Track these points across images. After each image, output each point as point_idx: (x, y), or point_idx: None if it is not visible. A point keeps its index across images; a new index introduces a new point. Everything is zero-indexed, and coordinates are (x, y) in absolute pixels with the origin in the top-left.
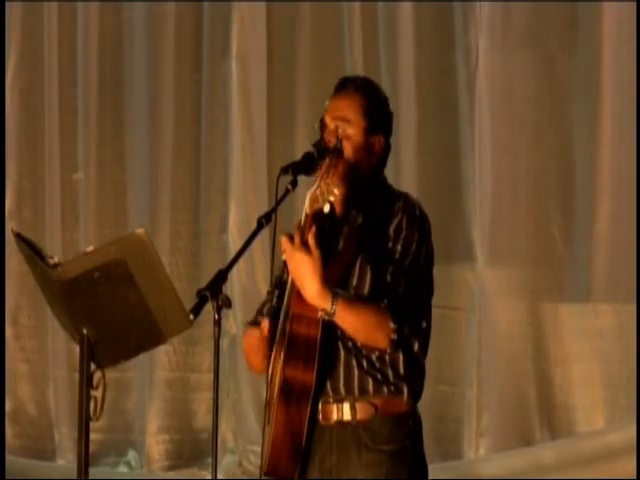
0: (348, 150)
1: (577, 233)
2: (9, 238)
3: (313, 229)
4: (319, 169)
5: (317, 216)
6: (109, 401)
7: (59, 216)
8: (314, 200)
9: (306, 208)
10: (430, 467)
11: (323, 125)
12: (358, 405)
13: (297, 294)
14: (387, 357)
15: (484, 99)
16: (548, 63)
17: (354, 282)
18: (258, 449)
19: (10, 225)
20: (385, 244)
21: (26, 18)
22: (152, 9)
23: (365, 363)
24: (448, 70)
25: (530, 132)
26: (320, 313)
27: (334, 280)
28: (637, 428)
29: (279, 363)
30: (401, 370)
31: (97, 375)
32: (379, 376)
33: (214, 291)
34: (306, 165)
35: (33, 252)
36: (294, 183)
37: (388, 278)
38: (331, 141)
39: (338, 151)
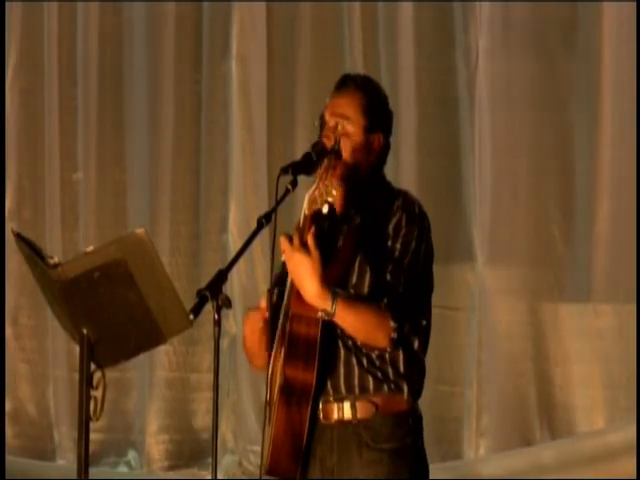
0: (347, 148)
1: (577, 233)
2: (9, 238)
3: (312, 230)
4: (318, 169)
5: (316, 217)
6: (109, 401)
7: (59, 216)
8: (313, 201)
9: (305, 209)
10: (430, 467)
11: (323, 122)
12: (358, 404)
13: (297, 294)
14: (387, 355)
15: (484, 99)
16: (548, 63)
17: (354, 280)
18: (258, 449)
19: (10, 225)
20: (384, 242)
21: (26, 18)
22: (152, 9)
23: (365, 361)
24: (448, 70)
25: (530, 132)
26: (320, 313)
27: (333, 280)
28: (637, 428)
29: (279, 363)
30: (401, 368)
31: (97, 375)
32: (379, 374)
33: (214, 291)
34: (306, 165)
35: (33, 252)
36: (294, 183)
37: (388, 276)
38: (330, 137)
39: (336, 152)
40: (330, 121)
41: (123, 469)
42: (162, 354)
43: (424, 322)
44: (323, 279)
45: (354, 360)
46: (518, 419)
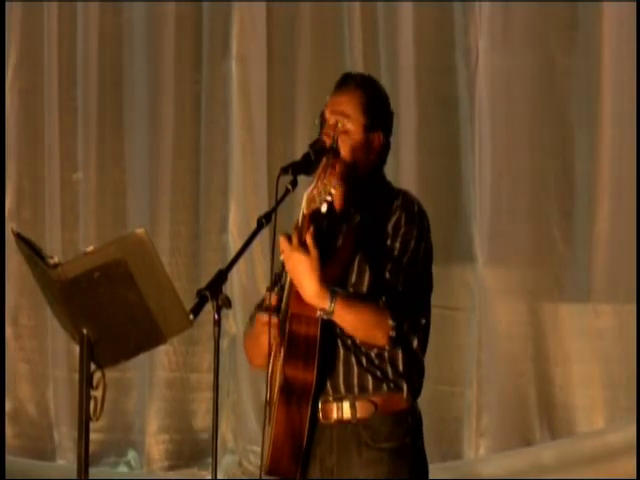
0: (346, 146)
1: (577, 233)
2: (9, 238)
3: (311, 229)
4: (317, 168)
5: (315, 216)
6: (109, 401)
7: (59, 216)
8: (311, 200)
9: (303, 208)
10: (430, 467)
11: (323, 120)
12: (358, 403)
13: (296, 294)
14: (386, 354)
15: (484, 99)
16: (548, 63)
17: (353, 279)
18: (258, 449)
19: (10, 225)
20: (384, 241)
21: (26, 18)
22: (152, 9)
23: (364, 361)
24: (448, 70)
25: (530, 132)
26: (319, 312)
27: (332, 279)
28: (637, 428)
29: (279, 362)
30: (400, 367)
31: (97, 375)
32: (378, 373)
33: (214, 291)
34: (306, 165)
35: (33, 252)
36: (294, 183)
37: (387, 275)
38: (330, 135)
39: (334, 151)
40: (330, 119)
41: (123, 469)
42: (162, 354)
43: (423, 321)
44: (322, 278)
45: (353, 359)
46: (518, 419)
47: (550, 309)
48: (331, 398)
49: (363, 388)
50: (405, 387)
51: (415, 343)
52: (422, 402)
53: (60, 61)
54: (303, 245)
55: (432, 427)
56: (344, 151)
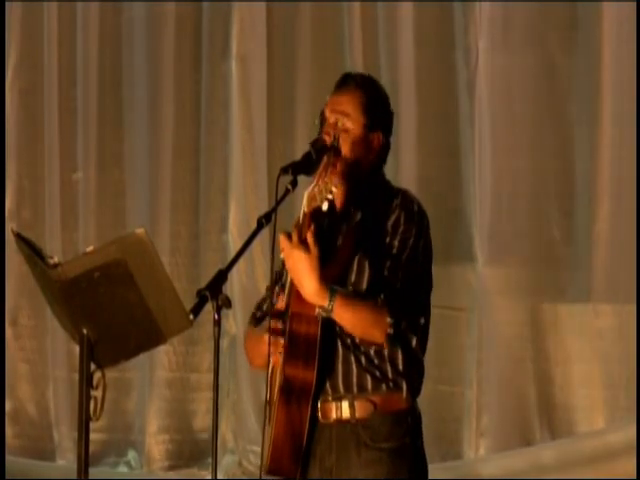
0: (346, 145)
1: (577, 233)
2: (9, 238)
3: (311, 227)
4: (318, 166)
5: (315, 214)
6: (109, 401)
7: (59, 216)
8: (312, 198)
9: (304, 206)
10: (430, 467)
11: (323, 119)
12: (357, 403)
13: (296, 293)
14: (385, 354)
15: (484, 99)
16: (548, 63)
17: (352, 279)
18: (258, 449)
19: (10, 225)
20: (383, 240)
21: (26, 18)
22: (152, 9)
23: (364, 360)
24: (448, 70)
25: (530, 132)
26: (318, 310)
27: (332, 278)
28: (637, 428)
29: (279, 362)
30: (400, 366)
31: (97, 375)
32: (378, 373)
33: (214, 291)
34: (306, 165)
35: (33, 252)
36: (294, 183)
37: (385, 273)
38: (330, 134)
39: (335, 149)
40: (330, 117)
41: (123, 469)
42: (162, 354)
43: (422, 320)
44: (321, 276)
45: (353, 359)
46: (518, 419)
47: (550, 309)
48: (330, 398)
49: (362, 388)
50: (404, 387)
51: (414, 342)
52: (422, 402)
53: (60, 61)
54: (303, 243)
55: (432, 427)
56: (345, 150)
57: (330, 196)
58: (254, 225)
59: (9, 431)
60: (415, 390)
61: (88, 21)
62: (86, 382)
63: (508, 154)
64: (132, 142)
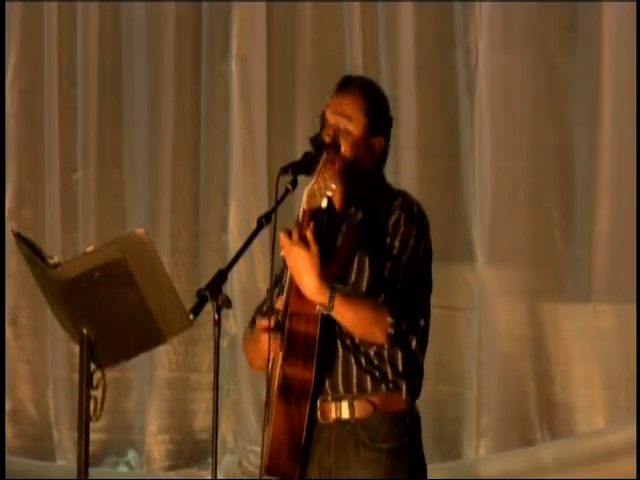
0: (347, 146)
1: (577, 233)
2: (9, 238)
3: (311, 225)
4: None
5: (315, 212)
6: (109, 401)
7: (59, 216)
8: (311, 195)
9: (304, 204)
10: (430, 467)
11: (323, 121)
12: (356, 403)
13: (296, 291)
14: (385, 354)
15: (484, 99)
16: (548, 63)
17: (352, 278)
18: (258, 449)
19: (10, 225)
20: (383, 240)
21: (26, 18)
22: (152, 9)
23: (363, 361)
24: (448, 70)
25: (530, 132)
26: (318, 308)
27: (332, 276)
28: (637, 428)
29: (278, 361)
30: (400, 367)
31: (97, 375)
32: (377, 374)
33: (214, 291)
34: (306, 165)
35: (33, 252)
36: (294, 183)
37: (386, 273)
38: (330, 135)
39: (335, 145)
40: (331, 119)
41: (123, 469)
42: (162, 354)
43: (422, 322)
44: (321, 274)
45: (352, 359)
46: (518, 419)
47: (550, 309)
48: (330, 398)
49: (362, 388)
50: (404, 387)
51: (414, 343)
52: (422, 402)
53: (60, 61)
54: (303, 241)
55: (432, 427)
56: (345, 151)
57: (329, 193)
58: (254, 225)
59: (9, 431)
60: (415, 391)
61: (88, 21)
62: (86, 382)
63: (508, 154)
64: (132, 142)
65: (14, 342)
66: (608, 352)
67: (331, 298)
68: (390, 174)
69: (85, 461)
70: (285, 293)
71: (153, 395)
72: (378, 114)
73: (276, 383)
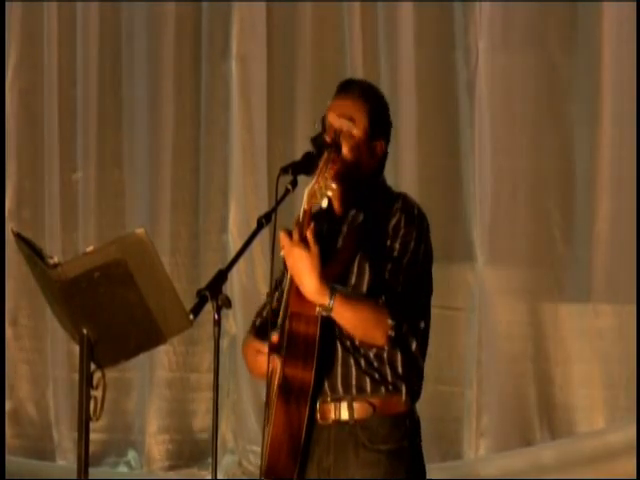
0: (349, 148)
1: (577, 233)
2: (9, 238)
3: (312, 225)
4: (318, 163)
5: (316, 213)
6: (109, 401)
7: (59, 216)
8: (312, 195)
9: (304, 203)
10: (430, 467)
11: (325, 123)
12: (356, 404)
13: (296, 292)
14: (385, 356)
15: (484, 99)
16: (548, 63)
17: (353, 281)
18: (258, 449)
19: (10, 225)
20: (383, 243)
21: (26, 18)
22: (152, 9)
23: (363, 362)
24: (448, 70)
25: (530, 132)
26: (318, 309)
27: (332, 277)
28: (637, 428)
29: (278, 362)
30: (399, 369)
31: (97, 375)
32: (377, 375)
33: (214, 291)
34: (306, 165)
35: (33, 252)
36: (294, 183)
37: (386, 275)
38: (330, 136)
39: (336, 145)
40: (334, 121)
41: (123, 469)
42: (162, 354)
43: (422, 324)
44: (322, 275)
45: (352, 361)
46: (518, 419)
47: (550, 309)
48: (329, 399)
49: (361, 389)
50: (404, 390)
51: (414, 346)
52: (422, 402)
53: (60, 61)
54: (304, 241)
55: (432, 427)
56: (346, 152)
57: (329, 193)
58: (254, 225)
59: (9, 431)
60: (414, 394)
61: (88, 21)
62: (86, 382)
63: (508, 154)
64: (132, 142)
65: (14, 342)
66: (608, 352)
67: (331, 299)
68: (390, 174)
69: (85, 461)
70: (285, 294)
71: (153, 395)
72: (380, 117)
73: (276, 383)
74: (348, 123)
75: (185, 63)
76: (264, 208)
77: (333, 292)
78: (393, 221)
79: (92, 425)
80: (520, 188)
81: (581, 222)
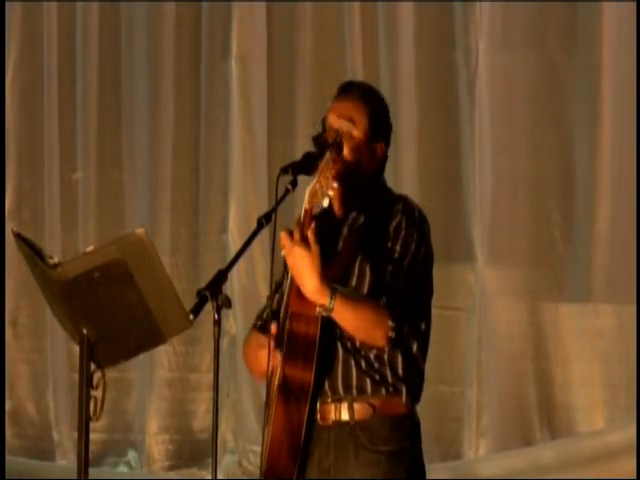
0: (349, 150)
1: (577, 233)
2: (9, 238)
3: (312, 225)
4: (320, 162)
5: (317, 214)
6: (109, 401)
7: (59, 216)
8: (313, 194)
9: (305, 203)
10: (430, 467)
11: (325, 124)
12: (356, 405)
13: (296, 293)
14: (385, 357)
15: (484, 99)
16: (548, 63)
17: (353, 282)
18: (258, 449)
19: (10, 225)
20: (384, 244)
21: (26, 18)
22: (152, 9)
23: (363, 363)
24: (448, 70)
25: (530, 132)
26: (318, 309)
27: (333, 277)
28: (637, 428)
29: (279, 362)
30: (399, 371)
31: (97, 375)
32: (377, 377)
33: (214, 291)
34: (306, 165)
35: (33, 252)
36: (294, 183)
37: (387, 277)
38: (331, 136)
39: (338, 145)
40: (335, 122)
41: (123, 469)
42: (162, 354)
43: (423, 326)
44: (322, 275)
45: (352, 362)
46: (518, 419)
47: (550, 309)
48: (329, 399)
49: (362, 390)
50: (404, 391)
51: (414, 347)
52: (422, 402)
53: (59, 61)
54: (304, 241)
55: (432, 427)
56: (347, 153)
57: (331, 192)
58: (254, 225)
59: (9, 431)
60: (415, 395)
61: (88, 21)
62: (86, 382)
63: (508, 154)
64: (132, 142)
65: (14, 342)
66: (608, 352)
67: (332, 299)
68: (390, 174)
69: (85, 461)
70: (286, 294)
71: (153, 395)
72: (380, 119)
73: (276, 383)
74: (348, 124)
75: (185, 63)
76: (264, 208)
77: (334, 292)
78: (394, 223)
79: (92, 425)
80: (520, 188)
81: (581, 222)
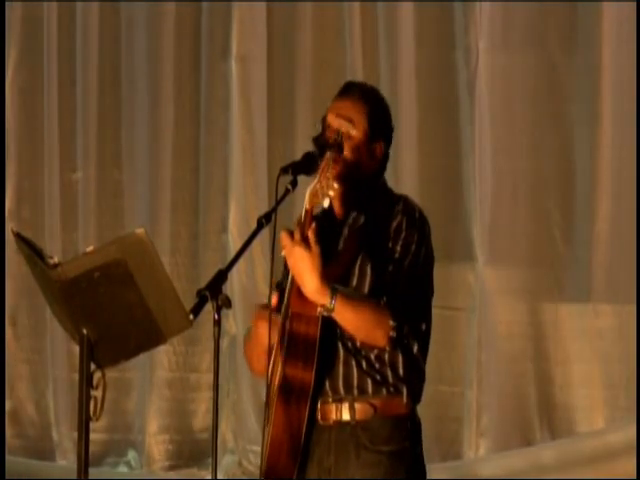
0: (349, 150)
1: (577, 233)
2: (9, 238)
3: (313, 225)
4: (320, 162)
5: (317, 214)
6: (109, 401)
7: (59, 216)
8: (314, 195)
9: (306, 203)
10: (430, 467)
11: (325, 124)
12: (357, 405)
13: (296, 293)
14: (386, 358)
15: (484, 99)
16: (548, 63)
17: (354, 282)
18: (258, 449)
19: (10, 225)
20: (385, 245)
21: (26, 18)
22: (152, 9)
23: (364, 364)
24: (448, 70)
25: (530, 132)
26: (319, 309)
27: (334, 278)
28: (637, 428)
29: (279, 362)
30: (400, 371)
31: (97, 375)
32: (378, 377)
33: (214, 291)
34: (306, 165)
35: (33, 252)
36: (294, 183)
37: (387, 277)
38: (332, 137)
39: (339, 145)
40: (334, 123)
41: (123, 469)
42: (162, 354)
43: (424, 326)
44: (323, 275)
45: (353, 362)
46: (518, 419)
47: (550, 309)
48: (330, 399)
49: (362, 390)
50: (405, 392)
51: (415, 348)
52: (422, 402)
53: (59, 61)
54: (305, 241)
55: (432, 427)
56: (346, 153)
57: (331, 193)
58: (254, 225)
59: (9, 431)
60: (415, 396)
61: (88, 21)
62: (86, 382)
63: (508, 154)
64: (132, 142)
65: (14, 342)
66: (608, 352)
67: (332, 299)
68: (390, 174)
69: (85, 461)
70: (286, 294)
71: (153, 395)
72: (379, 119)
73: (276, 383)
74: (347, 124)
75: (185, 63)
76: (264, 208)
77: (334, 292)
78: (394, 223)
79: (92, 425)
80: (520, 188)
81: (581, 222)
